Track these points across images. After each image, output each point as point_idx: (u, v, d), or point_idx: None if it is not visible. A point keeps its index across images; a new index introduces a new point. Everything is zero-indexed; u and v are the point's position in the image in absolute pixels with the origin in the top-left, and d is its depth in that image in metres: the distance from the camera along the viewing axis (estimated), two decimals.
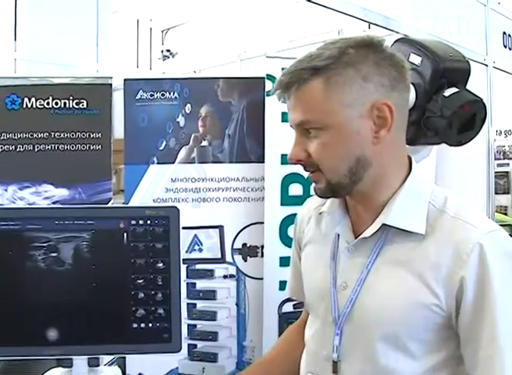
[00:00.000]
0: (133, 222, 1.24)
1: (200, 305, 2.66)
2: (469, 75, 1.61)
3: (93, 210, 1.35)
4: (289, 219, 2.55)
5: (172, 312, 1.25)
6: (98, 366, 1.40)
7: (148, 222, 1.24)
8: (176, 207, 1.26)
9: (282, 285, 2.56)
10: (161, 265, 1.24)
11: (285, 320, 2.59)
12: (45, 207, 1.48)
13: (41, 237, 1.24)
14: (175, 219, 1.25)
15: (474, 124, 1.58)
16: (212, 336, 2.69)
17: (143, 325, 1.25)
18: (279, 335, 2.60)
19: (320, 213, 1.38)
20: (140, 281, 1.24)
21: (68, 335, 1.24)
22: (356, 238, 1.25)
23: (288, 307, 2.59)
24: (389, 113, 1.16)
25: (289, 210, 2.54)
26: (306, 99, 1.16)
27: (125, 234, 1.24)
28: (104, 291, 1.25)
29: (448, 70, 1.56)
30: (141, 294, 1.24)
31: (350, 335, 1.23)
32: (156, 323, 1.25)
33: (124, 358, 2.40)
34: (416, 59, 1.58)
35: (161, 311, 1.25)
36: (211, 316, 2.67)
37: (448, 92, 1.54)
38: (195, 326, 2.70)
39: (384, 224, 1.20)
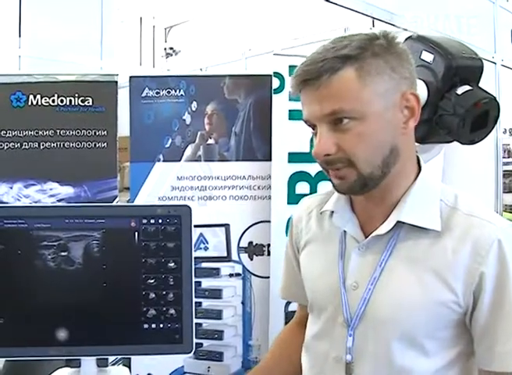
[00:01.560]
0: (145, 221, 1.22)
1: (206, 303, 2.64)
2: (482, 72, 1.59)
3: (103, 208, 1.33)
4: None
5: (184, 312, 1.24)
6: (107, 366, 1.38)
7: (160, 221, 1.23)
8: (187, 206, 1.25)
9: None
10: (172, 264, 1.23)
11: (291, 319, 2.57)
12: (55, 205, 1.46)
13: (51, 236, 1.23)
14: (187, 218, 1.24)
15: (486, 122, 1.57)
16: (218, 335, 2.68)
17: (154, 325, 1.23)
18: None
19: (321, 213, 1.36)
20: (152, 281, 1.23)
21: (77, 335, 1.23)
22: (366, 237, 1.23)
23: (294, 306, 2.57)
24: (416, 103, 1.17)
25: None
26: (340, 88, 1.12)
27: (136, 233, 1.22)
28: (114, 291, 1.23)
29: (461, 68, 1.54)
30: (152, 295, 1.23)
31: (364, 336, 1.20)
32: (167, 323, 1.23)
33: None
34: (428, 57, 1.56)
35: (172, 311, 1.23)
36: (217, 314, 2.66)
37: (461, 90, 1.52)
38: (201, 324, 2.68)
39: (398, 221, 1.18)
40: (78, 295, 1.24)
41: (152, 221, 1.22)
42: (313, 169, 2.50)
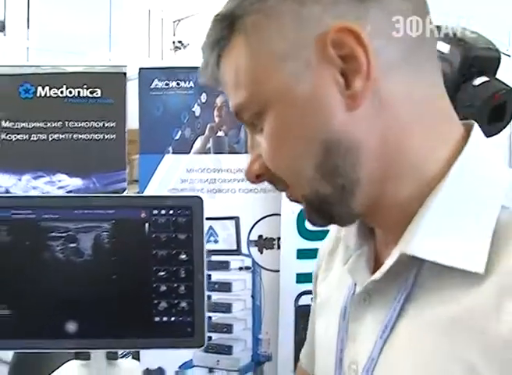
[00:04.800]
0: (155, 211, 1.20)
1: (216, 297, 2.62)
2: (499, 63, 1.56)
3: (113, 199, 1.31)
4: None
5: (196, 305, 1.21)
6: (117, 359, 1.37)
7: (171, 212, 1.20)
8: (199, 197, 1.22)
9: (299, 278, 2.53)
10: (184, 256, 1.20)
11: (301, 313, 2.56)
12: (63, 196, 1.44)
13: (59, 227, 1.21)
14: (198, 210, 1.21)
15: (503, 115, 1.54)
16: (227, 328, 2.66)
17: (165, 318, 1.21)
18: (295, 328, 2.58)
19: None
20: (162, 273, 1.20)
21: (87, 328, 1.21)
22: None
23: (305, 300, 2.55)
24: (357, 44, 0.65)
25: None
26: (225, 75, 0.77)
27: (146, 224, 1.20)
28: (124, 283, 1.21)
29: (478, 58, 1.51)
30: (163, 287, 1.20)
31: None
32: (179, 316, 1.21)
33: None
34: (444, 48, 1.53)
35: (184, 304, 1.21)
36: (226, 308, 2.64)
37: (478, 81, 1.49)
38: (210, 318, 2.66)
39: (411, 255, 0.66)
40: (87, 287, 1.22)
41: (163, 212, 1.20)
42: None
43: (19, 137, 2.74)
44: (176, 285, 1.20)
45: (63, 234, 1.20)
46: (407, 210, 0.69)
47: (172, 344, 1.26)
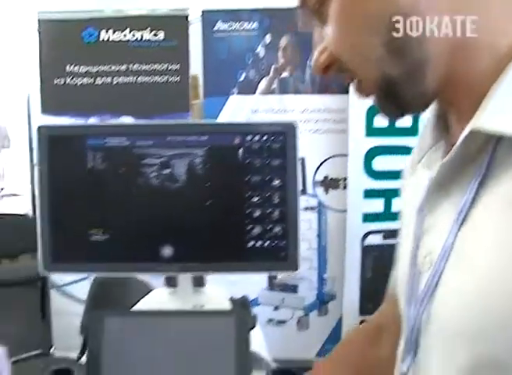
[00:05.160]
0: (249, 138, 1.20)
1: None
2: None
3: (207, 125, 1.31)
4: (375, 151, 2.51)
5: (289, 230, 1.22)
6: (204, 285, 1.40)
7: (264, 138, 1.20)
8: (292, 123, 1.22)
9: (366, 217, 2.54)
10: (277, 182, 1.21)
11: (368, 253, 2.57)
12: (157, 123, 1.45)
13: (153, 154, 1.22)
14: (292, 135, 1.21)
15: None
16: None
17: (258, 244, 1.22)
18: (362, 268, 2.60)
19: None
20: (256, 199, 1.21)
21: (181, 253, 1.23)
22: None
23: (371, 240, 2.57)
24: None
25: (375, 141, 2.50)
26: None
27: (240, 151, 1.20)
28: (218, 209, 1.22)
29: None
30: (257, 213, 1.21)
31: (425, 360, 0.68)
32: (272, 241, 1.22)
33: None
34: None
35: (277, 229, 1.22)
36: None
37: None
38: None
39: (481, 131, 0.59)
40: (181, 213, 1.24)
41: (256, 138, 1.20)
42: None
43: (83, 81, 2.77)
44: (269, 211, 1.21)
45: (157, 161, 1.21)
46: (480, 87, 0.62)
47: (266, 268, 1.27)
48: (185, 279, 1.33)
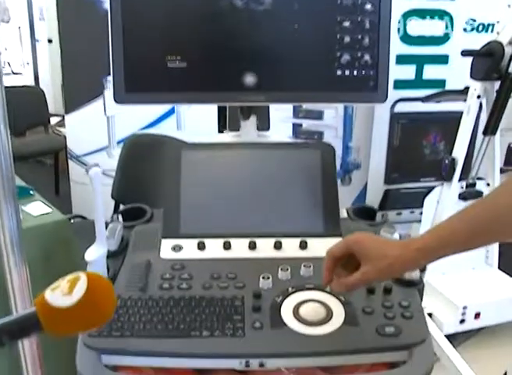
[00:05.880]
0: None
1: (306, 104, 2.59)
2: None
3: None
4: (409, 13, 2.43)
5: (380, 58, 1.16)
6: (268, 129, 1.36)
7: None
8: None
9: (397, 84, 2.48)
10: (369, 6, 1.13)
11: (396, 120, 2.53)
12: None
13: None
14: None
15: None
16: (317, 135, 2.65)
17: (347, 72, 1.16)
18: (389, 137, 2.56)
19: None
20: (347, 24, 1.14)
21: (266, 81, 1.16)
22: None
23: (401, 107, 2.52)
24: None
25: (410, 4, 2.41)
26: None
27: None
28: (307, 34, 1.14)
29: None
30: (347, 38, 1.14)
31: None
32: (362, 70, 1.16)
33: None
34: None
35: (367, 58, 1.15)
36: (318, 114, 2.61)
37: None
38: (301, 125, 2.65)
39: None
40: (268, 38, 1.16)
41: None
42: None
43: None
44: (360, 37, 1.14)
45: None
46: None
47: (355, 98, 1.22)
48: (250, 122, 1.29)
